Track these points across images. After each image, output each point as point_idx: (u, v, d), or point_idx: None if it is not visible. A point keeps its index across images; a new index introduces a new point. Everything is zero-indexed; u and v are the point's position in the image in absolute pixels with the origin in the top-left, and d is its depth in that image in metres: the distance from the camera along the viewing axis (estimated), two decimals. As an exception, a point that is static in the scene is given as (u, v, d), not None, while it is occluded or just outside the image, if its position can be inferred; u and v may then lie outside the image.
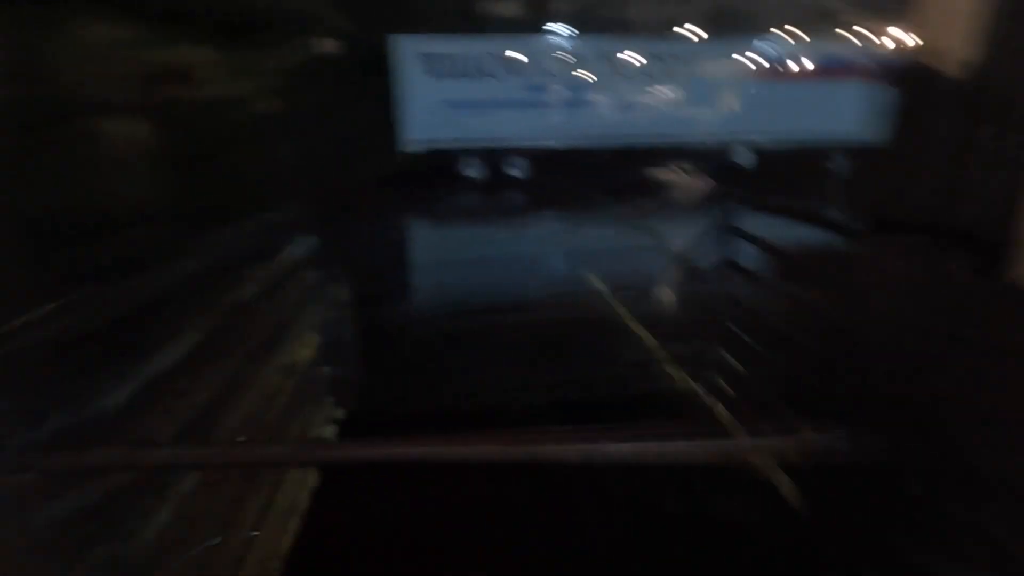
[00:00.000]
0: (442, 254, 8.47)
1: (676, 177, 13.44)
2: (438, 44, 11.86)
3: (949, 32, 1.92)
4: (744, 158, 12.96)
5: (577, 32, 12.49)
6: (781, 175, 12.07)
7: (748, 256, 3.30)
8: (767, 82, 12.56)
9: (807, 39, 12.68)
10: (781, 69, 12.56)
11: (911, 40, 2.32)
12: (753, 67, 12.56)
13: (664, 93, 12.54)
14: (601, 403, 3.63)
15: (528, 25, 12.63)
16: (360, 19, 9.85)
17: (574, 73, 12.28)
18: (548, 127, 12.51)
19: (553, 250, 8.44)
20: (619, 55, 12.27)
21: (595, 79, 12.28)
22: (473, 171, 12.65)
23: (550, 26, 12.49)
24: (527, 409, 3.46)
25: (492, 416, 3.42)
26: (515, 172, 12.75)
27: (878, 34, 12.33)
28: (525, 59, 12.10)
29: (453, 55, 11.94)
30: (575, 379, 3.95)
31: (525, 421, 2.99)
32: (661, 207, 10.99)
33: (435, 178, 12.28)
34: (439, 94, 12.00)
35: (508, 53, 12.05)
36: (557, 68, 12.25)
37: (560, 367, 4.24)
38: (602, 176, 12.11)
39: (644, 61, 12.29)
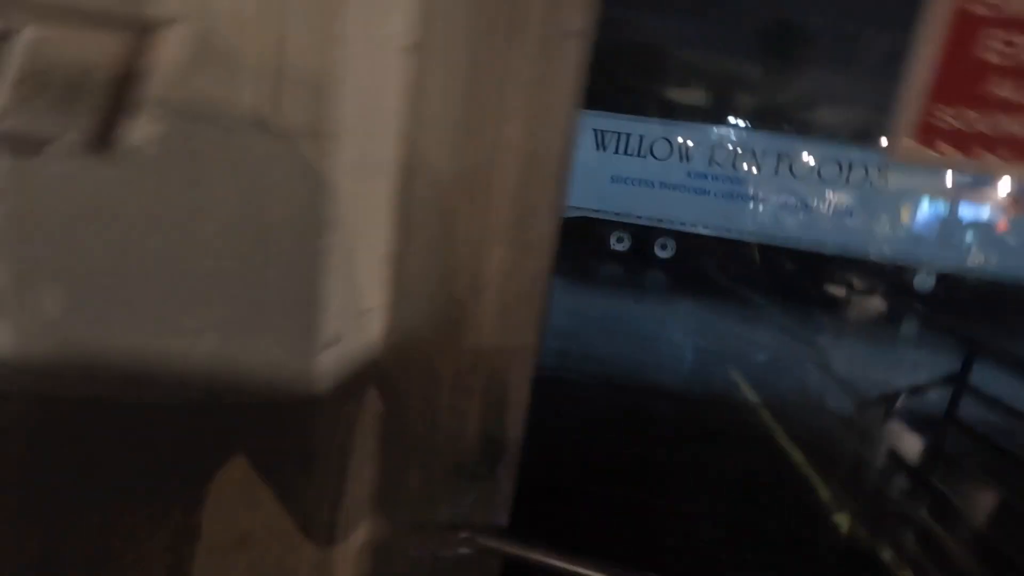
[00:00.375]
0: (578, 320, 8.49)
1: (848, 293, 12.29)
2: (612, 122, 12.36)
3: None
4: (924, 284, 11.66)
5: (752, 126, 12.33)
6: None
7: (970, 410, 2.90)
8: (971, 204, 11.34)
9: None
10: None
11: None
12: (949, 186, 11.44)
13: (839, 201, 11.81)
14: (748, 541, 3.30)
15: (705, 114, 12.75)
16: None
17: (742, 166, 12.07)
18: (705, 214, 12.32)
19: (694, 341, 8.09)
20: (794, 155, 11.86)
21: (762, 174, 11.94)
22: (621, 245, 12.74)
23: (730, 118, 12.50)
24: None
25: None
26: (663, 253, 12.64)
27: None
28: (692, 145, 12.17)
29: (624, 133, 12.35)
30: (719, 505, 3.66)
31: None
32: (833, 324, 10.07)
33: (581, 245, 12.53)
34: (603, 167, 12.41)
35: (678, 139, 12.21)
36: (724, 158, 12.13)
37: (697, 479, 3.96)
38: (757, 273, 11.54)
39: (821, 165, 11.74)
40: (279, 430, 0.54)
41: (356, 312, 0.57)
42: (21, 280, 0.54)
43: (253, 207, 0.49)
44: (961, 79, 0.50)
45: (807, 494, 3.83)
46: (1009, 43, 0.49)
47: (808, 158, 11.81)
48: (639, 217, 12.56)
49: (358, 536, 0.62)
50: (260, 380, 0.53)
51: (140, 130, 0.41)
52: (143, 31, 0.42)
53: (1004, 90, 0.50)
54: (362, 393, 0.59)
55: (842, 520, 3.47)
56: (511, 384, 0.65)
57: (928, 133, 0.53)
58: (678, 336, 8.17)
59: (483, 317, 0.63)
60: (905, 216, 11.76)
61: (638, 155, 12.45)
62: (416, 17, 0.55)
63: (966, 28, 0.49)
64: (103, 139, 0.41)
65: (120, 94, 0.41)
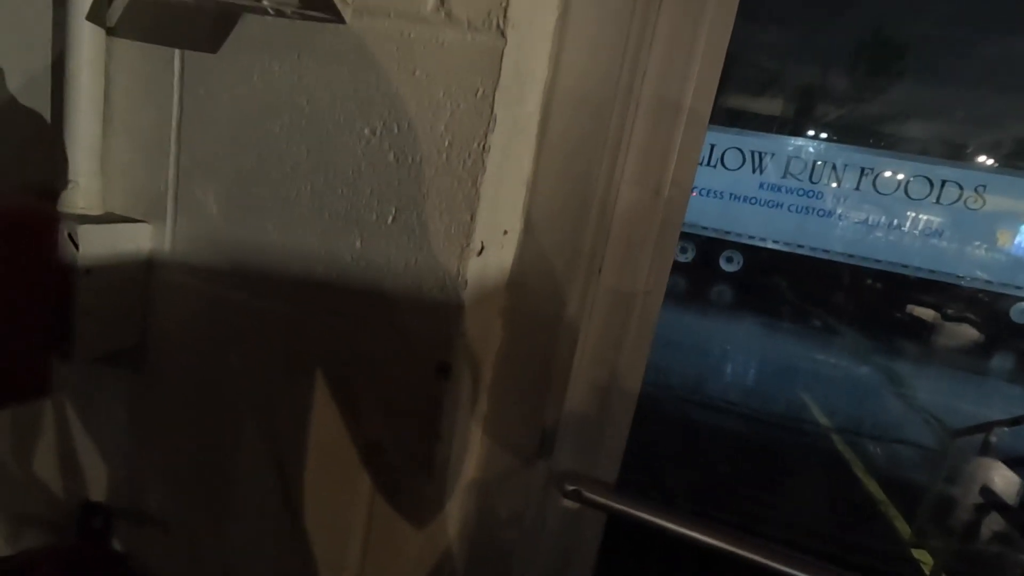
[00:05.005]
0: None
1: (935, 319, 11.38)
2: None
3: None
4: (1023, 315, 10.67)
5: (834, 138, 11.72)
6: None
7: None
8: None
9: None
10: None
11: None
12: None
13: (928, 220, 11.00)
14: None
15: (782, 124, 12.23)
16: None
17: (820, 179, 11.48)
18: (776, 228, 11.79)
19: (760, 358, 7.74)
20: (878, 170, 11.16)
21: (842, 189, 11.31)
22: (685, 256, 12.40)
23: (810, 130, 11.94)
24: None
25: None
26: (729, 266, 12.20)
27: None
28: (765, 155, 11.70)
29: (694, 142, 12.06)
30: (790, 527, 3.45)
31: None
32: (916, 351, 9.37)
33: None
34: (670, 175, 12.15)
35: (751, 149, 11.76)
36: (800, 171, 11.58)
37: (763, 505, 3.76)
38: (831, 292, 10.93)
39: (909, 181, 10.99)
40: (418, 340, 0.54)
41: (499, 227, 0.56)
42: (187, 178, 0.58)
43: (419, 102, 0.49)
44: None
45: (884, 527, 3.57)
46: None
47: (894, 174, 11.09)
48: (705, 228, 12.17)
49: (470, 468, 0.62)
50: (407, 283, 0.54)
51: (334, 18, 0.42)
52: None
53: None
54: (490, 321, 0.59)
55: (923, 557, 3.21)
56: (632, 330, 0.63)
57: None
58: (743, 352, 7.84)
59: (611, 258, 0.61)
60: (1004, 240, 10.80)
61: (707, 164, 12.07)
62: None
63: None
64: (300, 25, 0.42)
65: None
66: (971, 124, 11.73)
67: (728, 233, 12.03)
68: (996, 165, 11.30)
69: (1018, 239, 10.68)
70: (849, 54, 11.60)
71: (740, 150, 11.86)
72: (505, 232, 0.57)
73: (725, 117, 12.58)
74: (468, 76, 0.47)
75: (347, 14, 0.42)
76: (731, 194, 11.96)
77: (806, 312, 10.14)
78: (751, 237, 11.93)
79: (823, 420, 5.48)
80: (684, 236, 12.31)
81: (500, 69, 0.47)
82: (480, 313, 0.56)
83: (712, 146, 11.96)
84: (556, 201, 0.58)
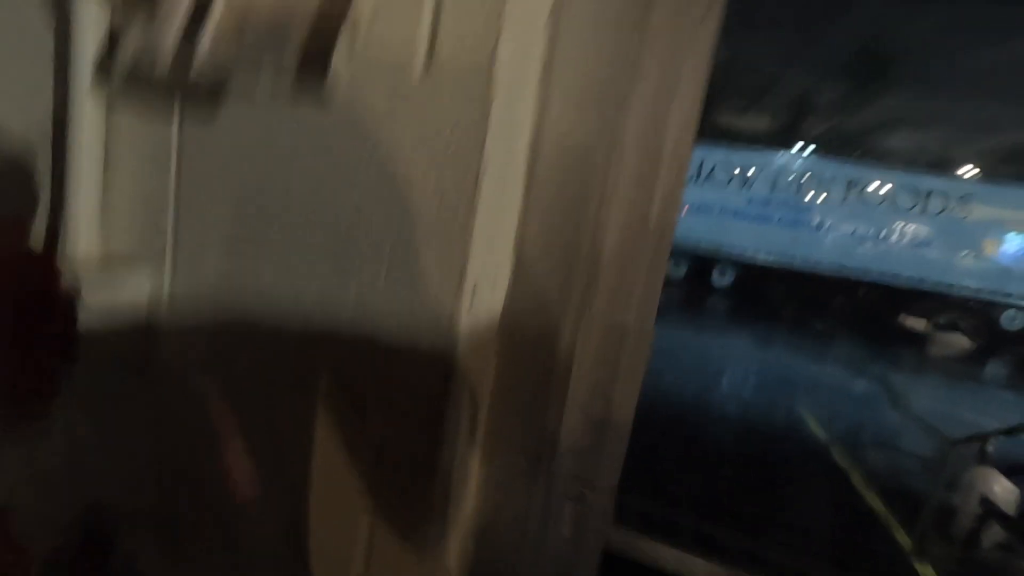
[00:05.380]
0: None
1: (927, 329, 11.44)
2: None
3: None
4: (1013, 322, 10.76)
5: (818, 152, 11.91)
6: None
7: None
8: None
9: None
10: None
11: None
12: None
13: (916, 231, 11.15)
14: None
15: (769, 139, 12.43)
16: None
17: (808, 193, 11.63)
18: (766, 242, 11.90)
19: (756, 372, 7.75)
20: (865, 182, 11.33)
21: (829, 202, 11.45)
22: (677, 271, 12.47)
23: (796, 144, 12.13)
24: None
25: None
26: (722, 281, 12.27)
27: None
28: (753, 170, 11.85)
29: (683, 158, 12.21)
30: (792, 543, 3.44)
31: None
32: (909, 361, 9.40)
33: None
34: (660, 192, 12.27)
35: (739, 164, 11.93)
36: (787, 185, 11.73)
37: (764, 520, 3.74)
38: (823, 304, 11.00)
39: (896, 193, 11.15)
40: (416, 372, 0.56)
41: (491, 269, 0.58)
42: (186, 227, 0.60)
43: (412, 153, 0.51)
44: None
45: (885, 539, 3.56)
46: None
47: (881, 185, 11.25)
48: (697, 243, 12.26)
49: (469, 503, 0.63)
50: (402, 329, 0.55)
51: (339, 60, 0.44)
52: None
53: None
54: (485, 359, 0.61)
55: (925, 571, 3.20)
56: (624, 362, 0.65)
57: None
58: (738, 366, 7.86)
59: (602, 293, 0.63)
60: (990, 249, 10.95)
61: (697, 180, 12.21)
62: (553, 2, 0.58)
63: None
64: (295, 85, 0.44)
65: (312, 44, 0.44)
66: (955, 135, 11.96)
67: (720, 248, 12.13)
68: (980, 175, 11.50)
69: (1004, 247, 10.84)
70: (835, 68, 11.84)
71: (729, 165, 12.02)
72: (497, 273, 0.59)
73: (714, 133, 12.76)
74: (458, 131, 0.50)
75: (336, 92, 0.44)
76: (721, 209, 12.09)
77: (799, 324, 10.19)
78: (743, 251, 12.03)
79: (820, 432, 5.48)
80: (677, 252, 12.39)
81: (488, 124, 0.49)
82: (475, 353, 0.58)
83: (701, 162, 12.11)
84: (546, 242, 0.60)
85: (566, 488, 0.64)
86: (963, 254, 10.96)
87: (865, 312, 11.62)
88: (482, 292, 0.57)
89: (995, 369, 9.82)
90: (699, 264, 12.39)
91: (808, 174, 11.62)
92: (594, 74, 0.59)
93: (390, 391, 0.57)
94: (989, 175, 11.18)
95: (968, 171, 11.90)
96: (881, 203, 11.26)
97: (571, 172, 0.60)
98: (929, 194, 11.04)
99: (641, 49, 0.59)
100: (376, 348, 0.56)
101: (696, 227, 12.19)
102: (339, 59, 0.44)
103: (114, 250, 0.64)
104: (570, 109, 0.58)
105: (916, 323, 11.45)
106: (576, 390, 0.64)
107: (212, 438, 0.65)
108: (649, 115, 0.61)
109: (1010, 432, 3.48)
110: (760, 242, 11.90)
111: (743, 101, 13.07)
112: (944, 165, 11.57)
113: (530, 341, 0.61)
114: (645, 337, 0.64)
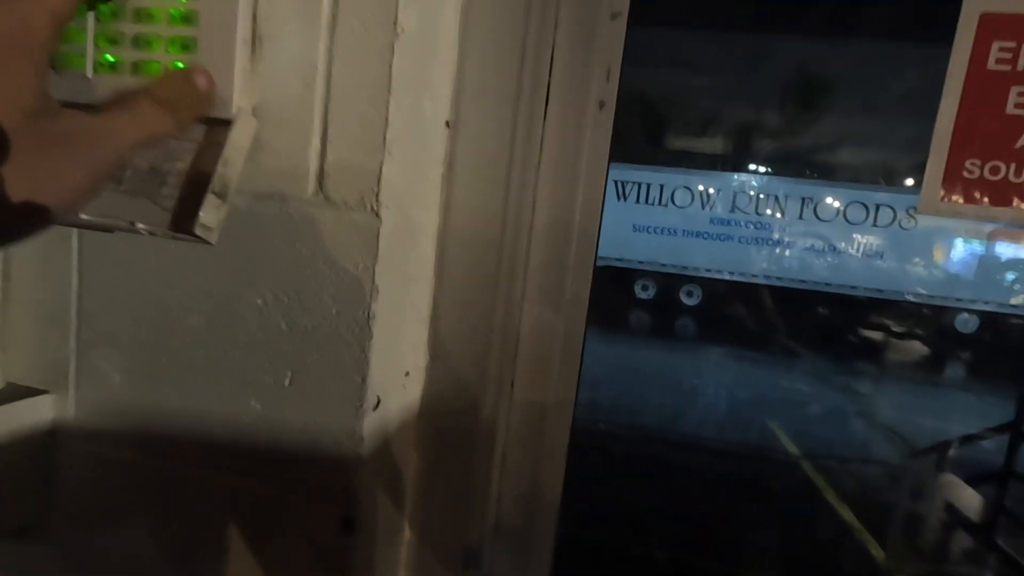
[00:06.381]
0: (606, 369, 8.36)
1: (885, 337, 11.80)
2: (631, 173, 12.55)
3: None
4: (967, 325, 11.21)
5: (772, 172, 12.40)
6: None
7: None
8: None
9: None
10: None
11: None
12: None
13: (869, 243, 11.61)
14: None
15: (725, 162, 12.88)
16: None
17: (765, 211, 12.04)
18: (729, 260, 12.23)
19: (727, 389, 7.85)
20: (817, 199, 11.80)
21: (786, 219, 11.89)
22: (646, 293, 12.66)
23: (751, 165, 12.60)
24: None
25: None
26: (690, 300, 12.51)
27: None
28: (712, 192, 12.25)
29: (644, 183, 12.52)
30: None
31: None
32: (871, 369, 9.63)
33: (606, 294, 12.49)
34: (624, 216, 12.51)
35: (699, 186, 12.31)
36: (746, 204, 12.14)
37: (740, 539, 3.75)
38: (787, 319, 11.28)
39: (847, 208, 11.65)
40: (320, 496, 0.55)
41: (398, 374, 0.58)
42: (88, 349, 0.58)
43: (305, 276, 0.51)
44: (990, 132, 0.51)
45: (859, 554, 3.59)
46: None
47: (832, 201, 11.74)
48: (663, 265, 12.51)
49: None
50: (305, 443, 0.55)
51: (209, 212, 0.45)
52: (211, 125, 0.46)
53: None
54: (403, 454, 0.60)
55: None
56: (549, 441, 0.65)
57: (959, 185, 0.54)
58: (710, 385, 7.96)
59: (520, 375, 0.64)
60: (939, 256, 11.47)
61: (659, 204, 12.54)
62: (451, 97, 0.60)
63: (992, 84, 0.51)
64: (174, 224, 0.44)
65: (192, 181, 0.45)
66: (896, 150, 12.60)
67: (686, 268, 12.40)
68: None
69: (951, 253, 11.37)
70: (778, 92, 12.45)
71: (688, 188, 12.39)
72: (407, 374, 0.59)
73: (671, 158, 13.16)
74: (347, 252, 0.50)
75: (212, 238, 0.45)
76: (684, 231, 12.41)
77: (765, 339, 10.41)
78: (708, 270, 12.33)
79: (791, 448, 5.56)
80: (645, 274, 12.62)
81: (377, 246, 0.50)
82: (387, 457, 0.57)
83: (662, 186, 12.45)
84: (460, 331, 0.61)
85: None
86: (914, 262, 11.44)
87: (828, 323, 11.97)
88: (390, 400, 0.57)
89: (954, 372, 10.17)
90: (667, 285, 12.62)
91: (764, 193, 12.06)
92: (495, 168, 0.60)
93: (296, 510, 0.56)
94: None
95: (913, 183, 12.50)
96: (835, 218, 11.73)
97: (481, 261, 0.61)
98: (878, 207, 11.55)
99: (544, 138, 0.61)
100: (279, 464, 0.55)
101: (662, 250, 12.47)
102: (222, 192, 0.45)
103: (14, 374, 0.62)
104: (475, 201, 0.59)
105: (876, 332, 11.84)
106: (501, 474, 0.64)
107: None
108: (553, 201, 0.63)
109: (965, 441, 3.59)
110: (724, 260, 12.22)
111: (697, 127, 13.56)
112: (890, 179, 12.16)
113: (450, 430, 0.61)
114: (565, 414, 0.64)
